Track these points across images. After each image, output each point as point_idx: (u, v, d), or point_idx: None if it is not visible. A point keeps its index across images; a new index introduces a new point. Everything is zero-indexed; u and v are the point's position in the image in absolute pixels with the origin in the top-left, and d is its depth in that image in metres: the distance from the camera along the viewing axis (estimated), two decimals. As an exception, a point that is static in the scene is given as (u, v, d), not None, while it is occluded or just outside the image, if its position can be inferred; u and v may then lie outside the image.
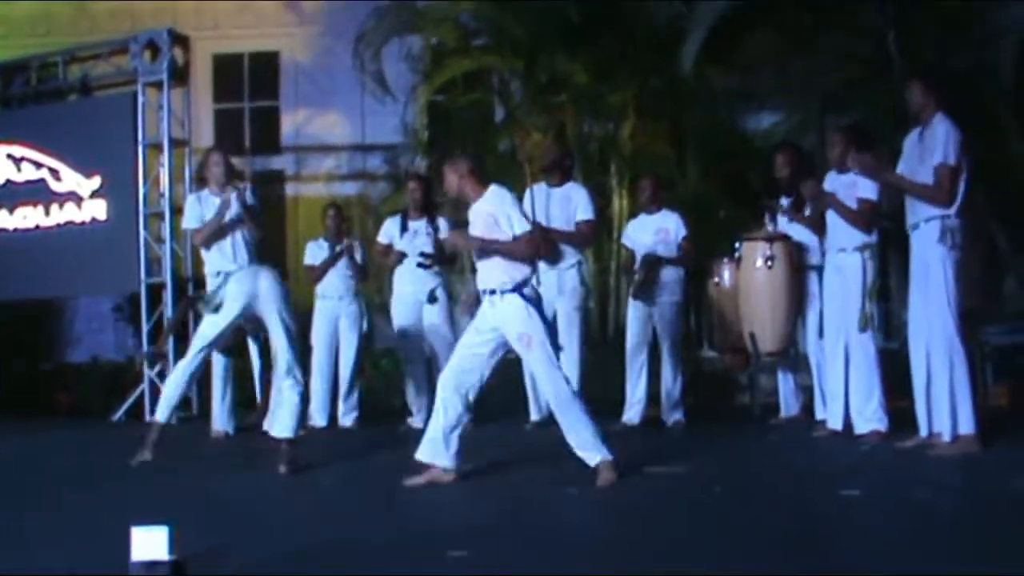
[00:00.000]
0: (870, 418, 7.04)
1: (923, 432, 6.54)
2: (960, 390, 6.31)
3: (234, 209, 7.92)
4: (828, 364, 7.41)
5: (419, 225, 8.75)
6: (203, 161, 8.33)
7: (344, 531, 4.93)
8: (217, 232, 7.92)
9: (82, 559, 4.27)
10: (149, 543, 3.48)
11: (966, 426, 6.31)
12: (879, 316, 7.31)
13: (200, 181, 8.36)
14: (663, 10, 11.42)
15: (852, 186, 7.10)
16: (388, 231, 8.94)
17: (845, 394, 7.22)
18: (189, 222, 8.02)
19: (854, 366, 7.13)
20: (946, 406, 6.33)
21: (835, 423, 7.29)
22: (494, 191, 5.91)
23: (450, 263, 9.18)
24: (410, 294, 8.72)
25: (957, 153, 6.31)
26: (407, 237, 8.76)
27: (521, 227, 5.81)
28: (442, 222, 8.78)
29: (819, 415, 7.70)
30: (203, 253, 8.04)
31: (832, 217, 7.24)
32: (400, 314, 8.82)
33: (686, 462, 6.38)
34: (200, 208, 8.17)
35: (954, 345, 6.30)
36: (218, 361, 8.67)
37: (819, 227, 7.49)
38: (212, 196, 8.17)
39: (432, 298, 8.63)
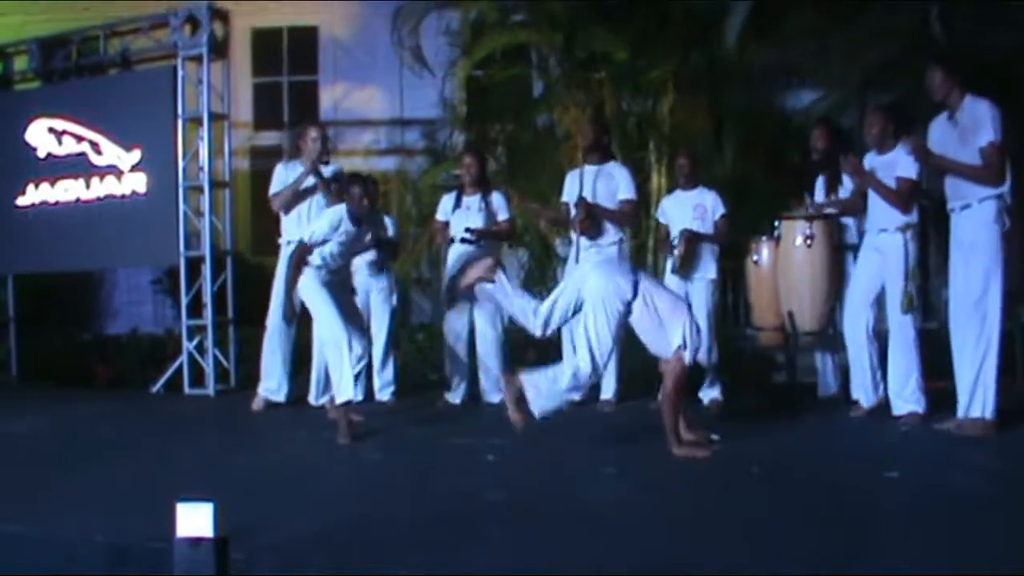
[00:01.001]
0: (908, 399, 7.02)
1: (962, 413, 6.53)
2: (988, 372, 6.32)
3: (313, 180, 8.28)
4: (849, 338, 7.41)
5: (472, 201, 8.63)
6: (300, 133, 8.67)
7: (382, 506, 4.97)
8: (294, 199, 8.27)
9: (125, 531, 4.33)
10: (194, 519, 3.52)
11: (987, 409, 6.36)
12: (917, 296, 7.26)
13: (295, 150, 8.68)
14: (702, -15, 11.34)
15: (891, 166, 7.05)
16: (444, 208, 8.84)
17: (881, 373, 7.25)
18: (274, 187, 8.42)
19: (892, 347, 7.11)
20: (979, 386, 6.36)
21: (865, 399, 7.36)
22: None
23: (504, 239, 9.12)
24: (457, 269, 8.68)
25: (1001, 131, 6.29)
26: (459, 213, 8.66)
27: None
28: (496, 196, 8.77)
29: (856, 395, 7.68)
30: (282, 220, 8.41)
31: (872, 197, 7.19)
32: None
33: (723, 441, 6.38)
34: (286, 175, 8.53)
35: (995, 326, 6.29)
36: (275, 330, 8.74)
37: (857, 207, 7.45)
38: (301, 167, 8.53)
39: None
